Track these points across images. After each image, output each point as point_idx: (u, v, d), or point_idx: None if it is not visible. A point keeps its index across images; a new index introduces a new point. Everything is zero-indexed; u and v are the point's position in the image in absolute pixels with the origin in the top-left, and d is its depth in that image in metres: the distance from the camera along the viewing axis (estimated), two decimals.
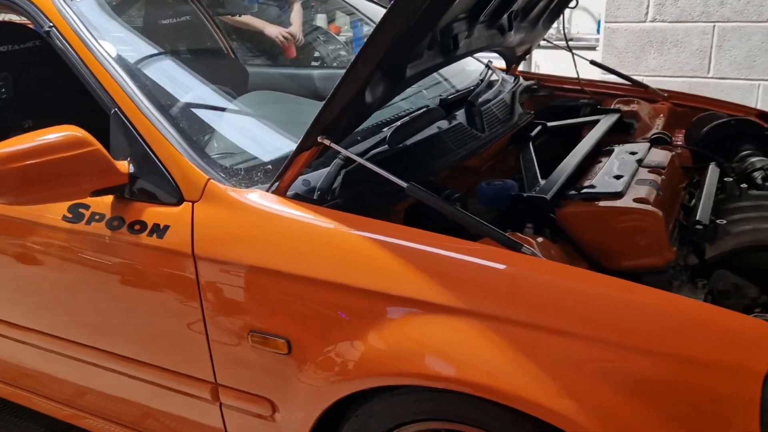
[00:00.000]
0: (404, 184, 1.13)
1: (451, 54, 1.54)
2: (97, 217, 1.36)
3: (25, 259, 1.50)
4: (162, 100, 1.41)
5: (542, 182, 1.44)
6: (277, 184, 1.23)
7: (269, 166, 1.34)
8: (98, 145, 1.27)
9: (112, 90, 1.38)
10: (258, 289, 1.18)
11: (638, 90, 2.20)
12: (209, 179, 1.26)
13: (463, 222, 1.11)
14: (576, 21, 4.57)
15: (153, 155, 1.31)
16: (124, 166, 1.32)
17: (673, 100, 2.15)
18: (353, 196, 1.29)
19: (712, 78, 2.80)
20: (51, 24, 1.48)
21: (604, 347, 0.94)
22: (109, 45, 1.47)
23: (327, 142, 1.18)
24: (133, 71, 1.44)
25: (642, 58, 2.88)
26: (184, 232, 1.25)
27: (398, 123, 1.50)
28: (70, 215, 1.39)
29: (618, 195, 1.33)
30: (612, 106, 2.09)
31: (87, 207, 1.38)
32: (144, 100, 1.37)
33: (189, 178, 1.28)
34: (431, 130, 1.58)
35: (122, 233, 1.32)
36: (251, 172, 1.31)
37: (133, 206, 1.33)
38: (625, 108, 2.05)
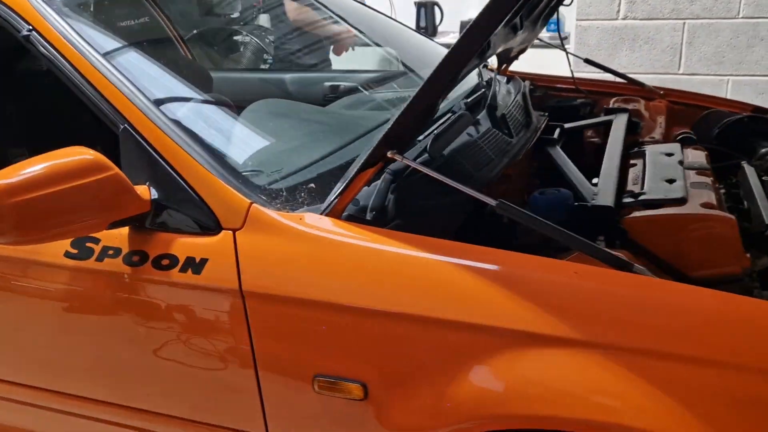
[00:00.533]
0: (493, 202, 1.01)
1: (484, 56, 1.44)
2: (110, 252, 1.16)
3: (16, 306, 1.27)
4: (178, 112, 1.24)
5: (595, 189, 1.36)
6: (333, 204, 1.09)
7: (312, 185, 1.19)
8: (116, 169, 1.08)
9: (119, 103, 1.19)
10: (326, 327, 1.03)
11: (634, 88, 2.17)
12: (252, 203, 1.10)
13: (565, 241, 1.01)
14: None
15: (180, 178, 1.13)
16: (146, 191, 1.13)
17: (669, 97, 2.14)
18: (414, 215, 1.16)
19: (682, 74, 2.85)
20: (30, 27, 1.27)
21: (752, 376, 0.86)
22: (104, 49, 1.28)
23: (399, 157, 1.04)
24: (140, 80, 1.25)
25: (614, 56, 2.89)
26: (228, 265, 1.08)
27: (435, 131, 1.38)
28: (74, 251, 1.19)
29: (681, 201, 1.26)
30: (611, 105, 2.05)
31: (96, 241, 1.18)
32: (159, 114, 1.18)
33: (227, 203, 1.11)
34: (464, 137, 1.47)
35: (146, 270, 1.13)
36: (294, 192, 1.16)
37: (157, 238, 1.14)
38: (627, 107, 2.02)
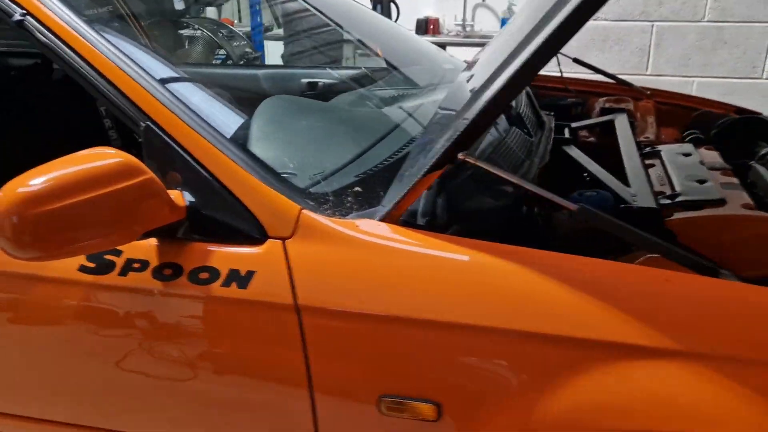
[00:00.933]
0: (574, 206, 0.96)
1: None
2: (136, 265, 1.04)
3: (18, 329, 1.12)
4: (204, 109, 1.12)
5: (631, 190, 1.33)
6: (392, 209, 1.00)
7: (358, 188, 1.10)
8: (150, 173, 0.96)
9: (140, 97, 1.06)
10: (394, 343, 0.95)
11: (621, 88, 2.19)
12: (301, 209, 1.00)
13: (647, 246, 0.97)
14: (478, 18, 4.61)
15: (217, 182, 1.02)
16: (180, 197, 1.02)
17: (655, 98, 2.17)
18: (465, 219, 1.10)
19: (650, 75, 2.91)
20: (24, 10, 1.12)
21: None
22: (111, 36, 1.15)
23: (471, 159, 0.97)
24: (158, 73, 1.12)
25: (585, 56, 2.90)
26: (279, 278, 0.98)
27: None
28: (91, 265, 1.05)
29: (721, 202, 1.26)
30: (604, 105, 2.06)
31: (117, 253, 1.05)
32: (186, 110, 1.07)
33: (274, 209, 1.01)
34: (490, 137, 1.42)
35: (181, 285, 1.01)
36: (341, 197, 1.07)
37: (192, 249, 1.03)
38: (620, 107, 2.02)
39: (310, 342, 0.98)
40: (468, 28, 4.53)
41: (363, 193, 1.09)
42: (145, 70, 1.09)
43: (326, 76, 2.46)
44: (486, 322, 0.91)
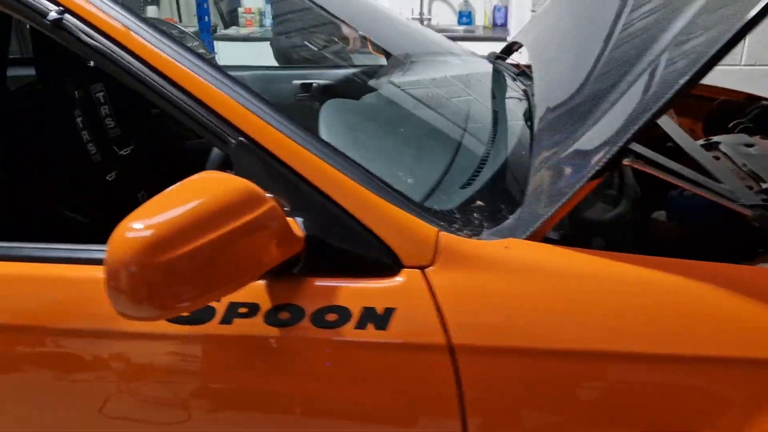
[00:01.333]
0: (748, 212, 0.87)
1: None
2: (242, 310, 0.86)
3: (99, 395, 0.91)
4: (294, 117, 0.96)
5: (726, 187, 1.27)
6: (539, 227, 0.88)
7: (480, 202, 0.97)
8: (272, 200, 0.80)
9: (227, 109, 0.89)
10: (576, 382, 0.83)
11: None
12: (438, 232, 0.86)
13: None
14: (435, 12, 4.53)
15: (336, 206, 0.86)
16: (296, 226, 0.85)
17: None
18: (609, 231, 0.99)
19: None
20: (62, 8, 0.92)
21: None
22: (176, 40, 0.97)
23: (639, 164, 0.86)
24: (235, 78, 0.95)
25: None
26: (425, 314, 0.84)
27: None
28: (184, 313, 0.87)
29: None
30: None
31: None
32: (286, 123, 0.90)
33: (408, 233, 0.86)
34: None
35: (303, 329, 0.85)
36: (466, 213, 0.94)
37: (312, 286, 0.86)
38: None
39: (468, 387, 0.84)
40: (425, 22, 4.44)
41: (485, 206, 0.96)
42: (226, 77, 0.92)
43: (322, 77, 2.31)
44: (687, 351, 0.80)
